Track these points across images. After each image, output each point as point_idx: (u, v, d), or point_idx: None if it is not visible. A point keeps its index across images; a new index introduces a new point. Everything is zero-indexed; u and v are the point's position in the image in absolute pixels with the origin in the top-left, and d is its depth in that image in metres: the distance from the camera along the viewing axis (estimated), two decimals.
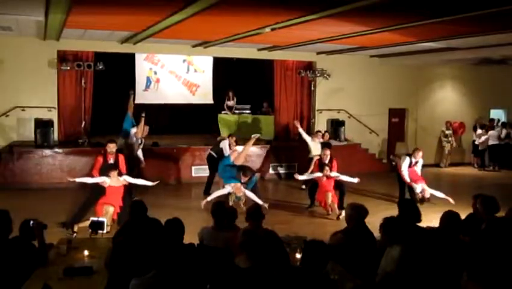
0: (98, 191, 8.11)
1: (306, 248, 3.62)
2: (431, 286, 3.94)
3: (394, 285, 3.33)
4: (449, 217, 4.86)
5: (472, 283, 3.42)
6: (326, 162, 9.98)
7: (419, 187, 10.08)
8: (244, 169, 9.03)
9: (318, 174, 9.69)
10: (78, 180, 8.55)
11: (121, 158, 8.83)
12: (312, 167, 10.71)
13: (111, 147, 8.72)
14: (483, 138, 16.19)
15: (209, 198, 8.76)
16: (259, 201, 8.37)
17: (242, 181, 9.02)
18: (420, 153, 10.46)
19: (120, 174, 8.17)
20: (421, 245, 4.34)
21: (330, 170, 9.65)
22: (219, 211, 5.27)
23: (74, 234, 7.39)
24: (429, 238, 4.77)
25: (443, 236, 4.71)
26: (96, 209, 7.93)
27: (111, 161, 8.64)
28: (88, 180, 8.47)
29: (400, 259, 3.41)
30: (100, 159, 8.70)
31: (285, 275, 3.47)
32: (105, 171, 8.25)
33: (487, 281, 3.36)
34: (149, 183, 8.71)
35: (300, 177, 10.00)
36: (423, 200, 10.02)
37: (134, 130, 10.41)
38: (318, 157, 10.75)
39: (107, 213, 7.73)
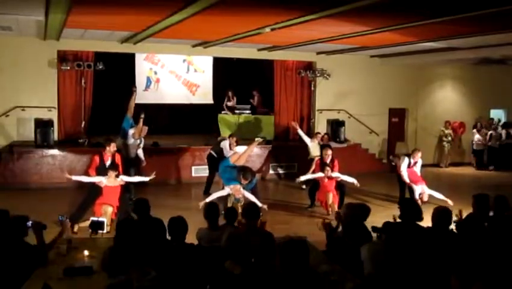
0: (95, 190, 8.11)
1: (283, 249, 3.54)
2: (422, 284, 3.95)
3: (379, 283, 3.34)
4: (440, 213, 4.86)
5: (457, 282, 3.44)
6: (328, 162, 9.96)
7: (419, 188, 10.02)
8: (244, 171, 8.92)
9: (320, 174, 9.68)
10: (74, 177, 8.54)
11: (118, 157, 8.82)
12: (313, 167, 10.69)
13: (112, 147, 8.71)
14: (475, 137, 16.35)
15: (208, 200, 8.73)
16: (259, 203, 8.29)
17: (242, 183, 8.95)
18: (419, 154, 10.43)
19: (117, 174, 8.16)
20: (400, 241, 4.34)
21: (332, 170, 9.64)
22: (210, 212, 5.27)
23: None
24: (417, 235, 4.77)
25: (436, 233, 4.71)
26: (95, 210, 7.94)
27: (108, 160, 8.62)
28: (85, 178, 8.49)
29: (370, 257, 3.44)
30: (97, 158, 8.69)
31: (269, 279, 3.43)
32: (103, 171, 8.24)
33: (491, 280, 3.36)
34: (146, 179, 8.76)
35: (302, 178, 10.00)
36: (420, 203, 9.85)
37: (131, 131, 10.36)
38: (318, 157, 10.74)
39: (106, 213, 7.74)
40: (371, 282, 3.33)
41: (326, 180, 9.52)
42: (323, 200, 9.55)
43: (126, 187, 8.99)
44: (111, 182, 8.01)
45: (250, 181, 9.05)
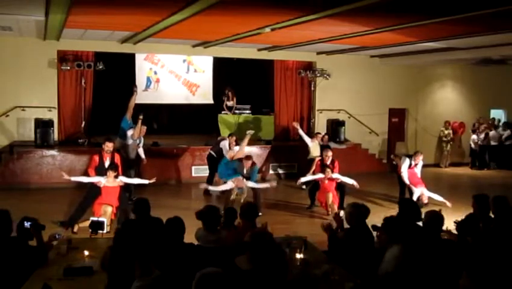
0: (94, 191, 8.08)
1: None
2: (430, 286, 3.94)
3: (393, 284, 3.33)
4: (431, 217, 4.86)
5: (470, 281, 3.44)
6: (328, 163, 9.98)
7: (418, 191, 10.02)
8: (246, 156, 9.33)
9: (320, 175, 9.69)
10: (73, 178, 8.51)
11: (117, 157, 8.79)
12: (313, 168, 10.69)
13: (109, 146, 8.65)
14: (472, 137, 16.48)
15: (210, 188, 8.92)
16: (266, 185, 8.50)
17: (244, 172, 9.17)
18: (421, 157, 10.47)
19: (116, 175, 8.12)
20: (420, 244, 4.35)
21: (332, 172, 9.65)
22: (206, 214, 5.24)
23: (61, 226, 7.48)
24: (426, 237, 4.77)
25: (427, 235, 4.71)
26: (94, 210, 7.91)
27: (107, 160, 8.60)
28: (84, 179, 8.46)
29: (399, 258, 3.42)
30: (96, 158, 8.65)
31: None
32: (103, 171, 8.21)
33: (489, 280, 3.36)
34: (145, 182, 8.80)
35: (303, 179, 10.02)
36: (420, 205, 9.77)
37: (130, 132, 10.31)
38: (319, 158, 10.75)
39: (105, 213, 7.71)
40: (386, 281, 3.31)
41: (327, 181, 9.52)
42: (323, 201, 9.56)
43: (126, 187, 8.99)
44: (110, 182, 7.97)
45: (252, 168, 9.33)
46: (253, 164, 9.63)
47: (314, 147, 12.00)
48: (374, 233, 5.11)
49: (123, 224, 4.80)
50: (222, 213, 5.69)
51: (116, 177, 8.07)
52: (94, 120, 13.49)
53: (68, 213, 8.45)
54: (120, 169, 8.44)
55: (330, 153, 10.20)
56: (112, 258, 4.08)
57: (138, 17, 8.53)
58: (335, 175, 9.64)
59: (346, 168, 10.69)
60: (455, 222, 5.21)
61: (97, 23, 9.67)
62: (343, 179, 9.63)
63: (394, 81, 16.05)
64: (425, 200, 9.94)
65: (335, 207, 9.35)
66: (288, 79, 15.31)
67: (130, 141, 10.34)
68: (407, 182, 10.21)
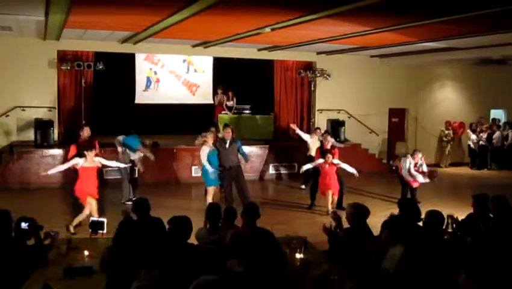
0: None
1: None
2: (429, 285, 3.95)
3: (394, 283, 3.33)
4: (431, 217, 4.86)
5: (471, 282, 3.42)
6: (328, 147, 10.04)
7: (420, 177, 10.26)
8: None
9: (320, 160, 9.75)
10: (50, 172, 8.42)
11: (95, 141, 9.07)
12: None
13: (88, 131, 9.04)
14: (471, 137, 16.48)
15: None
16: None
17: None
18: (419, 155, 10.45)
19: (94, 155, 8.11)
20: (421, 244, 4.35)
21: (333, 157, 9.69)
22: (212, 214, 5.24)
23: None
24: (427, 237, 4.77)
25: (428, 235, 4.72)
26: (77, 195, 7.95)
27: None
28: (61, 167, 8.47)
29: (402, 258, 3.42)
30: (74, 147, 8.74)
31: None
32: (81, 152, 8.20)
33: (489, 280, 3.35)
34: (122, 165, 9.07)
35: (305, 167, 10.06)
36: (431, 176, 10.27)
37: (135, 156, 10.29)
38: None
39: (91, 205, 7.71)
40: (383, 277, 3.31)
41: (327, 166, 9.56)
42: (325, 190, 9.60)
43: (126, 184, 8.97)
44: (88, 162, 7.90)
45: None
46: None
47: (313, 143, 11.95)
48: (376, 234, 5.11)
49: (121, 224, 4.79)
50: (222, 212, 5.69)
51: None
52: (94, 120, 13.47)
53: (68, 213, 8.45)
54: (97, 149, 8.66)
55: (329, 138, 10.44)
56: (111, 258, 4.07)
57: (138, 17, 8.53)
58: (336, 161, 9.69)
59: None
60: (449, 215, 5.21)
61: (97, 23, 9.67)
62: (342, 166, 9.70)
63: (394, 81, 16.04)
64: (425, 169, 10.25)
65: (336, 199, 9.52)
66: (288, 79, 15.31)
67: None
68: (409, 178, 10.26)
